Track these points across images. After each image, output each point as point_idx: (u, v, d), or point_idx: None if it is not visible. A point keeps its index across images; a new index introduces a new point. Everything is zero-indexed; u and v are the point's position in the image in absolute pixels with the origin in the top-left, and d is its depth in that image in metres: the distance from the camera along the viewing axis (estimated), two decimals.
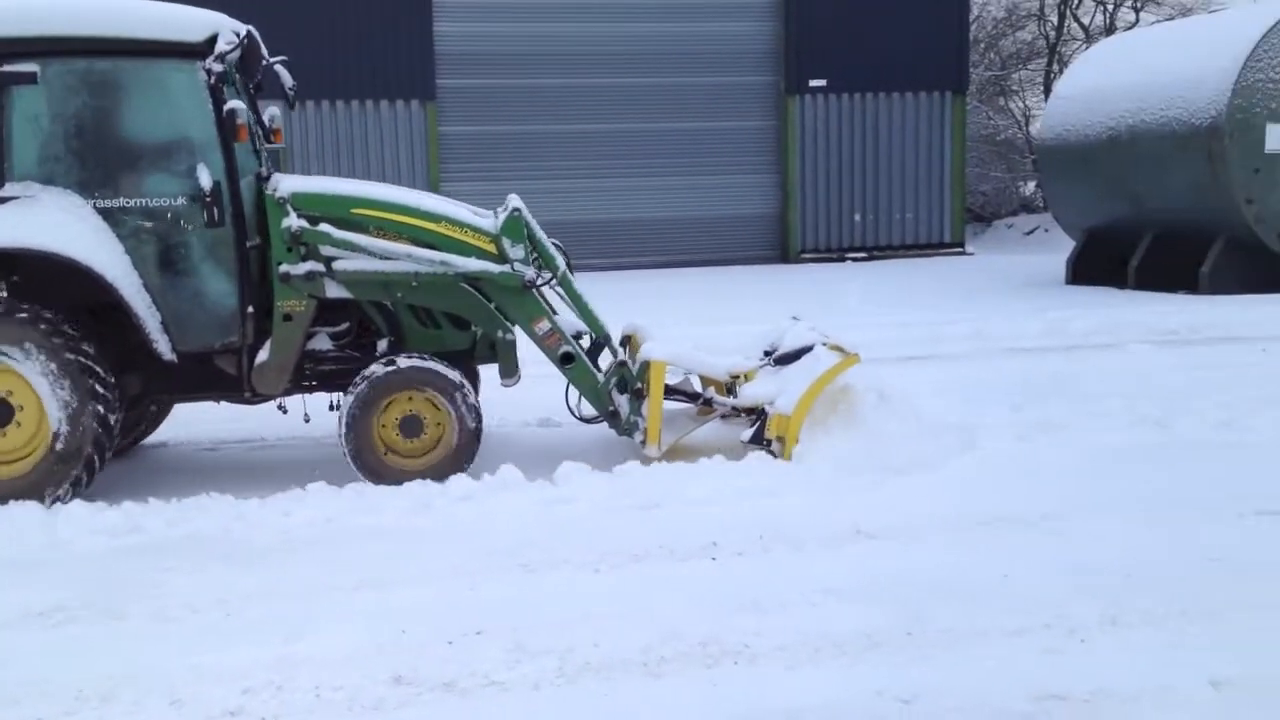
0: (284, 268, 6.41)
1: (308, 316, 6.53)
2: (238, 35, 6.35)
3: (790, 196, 21.30)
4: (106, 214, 6.14)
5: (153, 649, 4.19)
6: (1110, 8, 29.13)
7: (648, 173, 20.77)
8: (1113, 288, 15.42)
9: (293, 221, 6.37)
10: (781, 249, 21.49)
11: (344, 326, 6.82)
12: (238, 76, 6.66)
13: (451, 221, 6.69)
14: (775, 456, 6.38)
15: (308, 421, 7.04)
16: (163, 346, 6.24)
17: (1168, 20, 20.92)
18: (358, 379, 6.45)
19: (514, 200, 6.80)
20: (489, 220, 6.80)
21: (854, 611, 4.34)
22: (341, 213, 6.56)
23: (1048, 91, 24.62)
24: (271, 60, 7.05)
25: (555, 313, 6.91)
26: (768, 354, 7.03)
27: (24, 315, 5.98)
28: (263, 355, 6.51)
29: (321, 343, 6.77)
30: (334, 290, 6.52)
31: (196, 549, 5.32)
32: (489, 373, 7.15)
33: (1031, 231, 24.37)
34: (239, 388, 6.66)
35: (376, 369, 6.45)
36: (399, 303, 6.76)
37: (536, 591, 4.71)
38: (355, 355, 6.81)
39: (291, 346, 6.53)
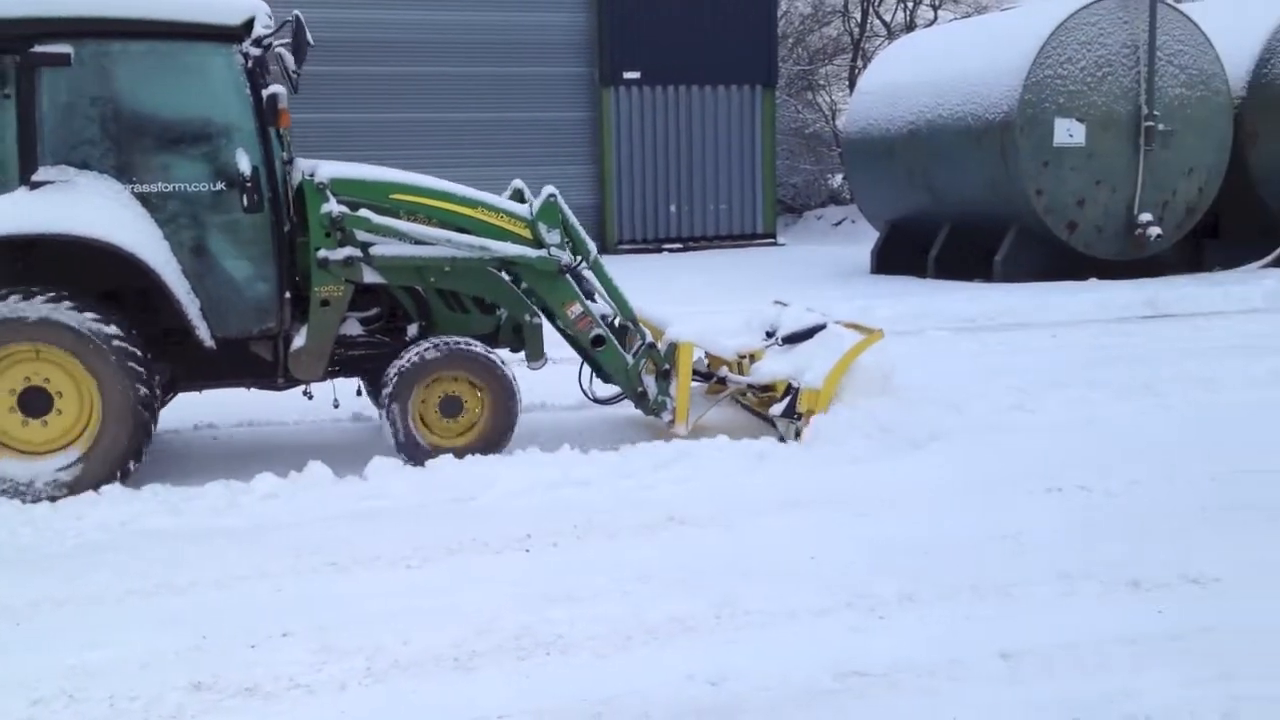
0: (322, 253, 6.37)
1: (344, 302, 6.50)
2: (285, 20, 6.27)
3: (607, 188, 21.39)
4: (144, 199, 6.03)
5: None
6: (911, 5, 30.27)
7: (468, 163, 20.34)
8: (914, 276, 16.00)
9: (333, 207, 6.33)
10: (599, 240, 21.56)
11: (374, 311, 6.79)
12: (283, 60, 6.63)
13: (488, 207, 6.77)
14: (799, 433, 6.60)
15: (336, 406, 7.11)
16: (203, 333, 6.16)
17: (965, 18, 21.74)
18: (402, 356, 6.45)
19: (549, 188, 6.89)
20: (523, 206, 6.92)
21: (665, 597, 4.39)
22: (380, 198, 6.56)
23: (853, 86, 25.37)
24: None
25: (591, 298, 7.07)
26: (769, 335, 7.29)
27: (68, 303, 5.75)
28: (299, 341, 6.46)
29: (352, 328, 6.74)
30: (370, 276, 6.50)
31: None
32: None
33: (840, 223, 25.11)
34: (273, 374, 6.64)
35: (425, 346, 6.47)
36: (430, 287, 6.77)
37: (346, 589, 4.62)
38: (385, 340, 6.82)
39: (329, 332, 6.51)
